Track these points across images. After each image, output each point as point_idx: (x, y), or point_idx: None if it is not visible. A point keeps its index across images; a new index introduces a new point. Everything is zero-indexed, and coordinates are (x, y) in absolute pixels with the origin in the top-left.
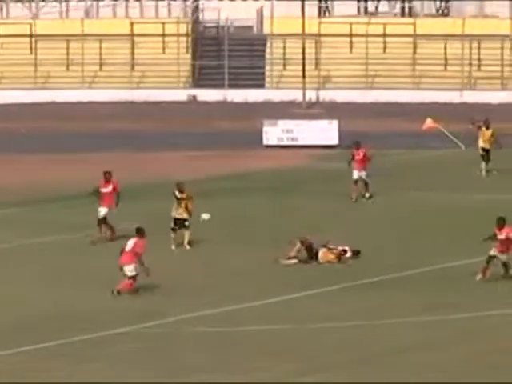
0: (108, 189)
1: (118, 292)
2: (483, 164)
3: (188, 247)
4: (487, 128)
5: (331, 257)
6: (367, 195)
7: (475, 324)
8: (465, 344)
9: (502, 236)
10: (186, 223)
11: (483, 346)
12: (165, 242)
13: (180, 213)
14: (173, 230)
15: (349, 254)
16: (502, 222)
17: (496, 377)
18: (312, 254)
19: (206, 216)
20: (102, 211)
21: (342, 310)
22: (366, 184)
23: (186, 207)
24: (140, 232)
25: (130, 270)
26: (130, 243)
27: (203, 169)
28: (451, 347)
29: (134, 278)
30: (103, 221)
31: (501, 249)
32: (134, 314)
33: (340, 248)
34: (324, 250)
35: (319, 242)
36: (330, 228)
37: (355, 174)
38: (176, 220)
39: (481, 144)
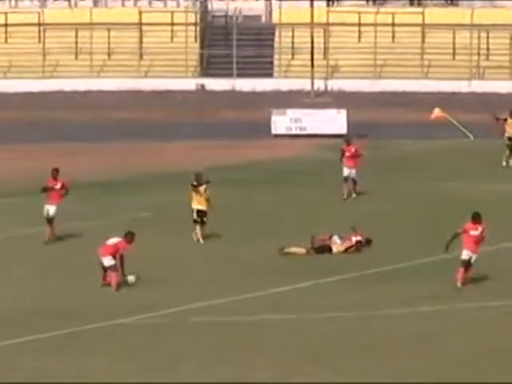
0: (57, 186)
1: (117, 288)
2: (506, 152)
3: (201, 241)
4: None
5: (341, 249)
6: (354, 195)
7: (479, 314)
8: (469, 335)
9: (477, 232)
10: (205, 218)
11: (488, 336)
12: (170, 233)
13: (201, 204)
14: (195, 221)
15: (363, 243)
16: (479, 218)
17: (497, 367)
18: (323, 250)
19: (131, 278)
20: (51, 210)
21: (346, 301)
22: (354, 182)
23: (207, 198)
24: (128, 236)
25: (107, 260)
26: (114, 239)
27: (211, 159)
28: (456, 337)
29: (113, 267)
30: (52, 219)
31: (473, 246)
32: (135, 304)
33: (354, 239)
34: (337, 242)
35: (325, 236)
36: (337, 219)
37: (345, 171)
38: (198, 211)
39: (508, 134)
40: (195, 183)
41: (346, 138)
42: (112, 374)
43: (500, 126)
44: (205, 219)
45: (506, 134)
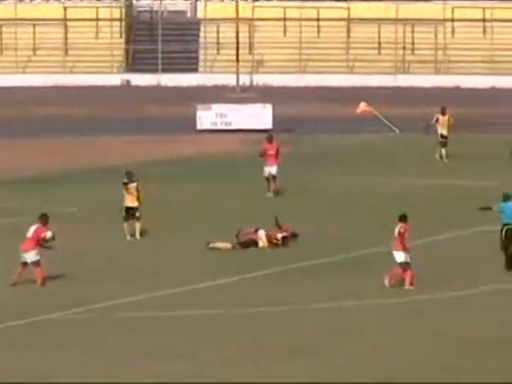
0: None
1: (43, 283)
2: (443, 150)
3: (138, 238)
4: (443, 114)
5: (267, 243)
6: (273, 190)
7: (408, 309)
8: (399, 330)
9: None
10: (137, 214)
11: (418, 331)
12: (98, 228)
13: (132, 201)
14: (125, 219)
15: (289, 237)
16: (406, 218)
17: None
18: (249, 245)
19: (49, 233)
20: None
21: (273, 295)
22: (273, 178)
23: (138, 196)
24: (43, 218)
25: (30, 256)
26: (31, 229)
27: (136, 154)
28: (385, 333)
29: (39, 262)
30: None
31: (402, 247)
32: (63, 300)
33: (279, 236)
34: (263, 237)
35: (250, 230)
36: (265, 214)
37: (266, 171)
38: (128, 209)
39: (439, 131)
40: (126, 181)
41: (268, 136)
42: (42, 365)
43: (434, 126)
44: (137, 214)
45: (439, 131)
